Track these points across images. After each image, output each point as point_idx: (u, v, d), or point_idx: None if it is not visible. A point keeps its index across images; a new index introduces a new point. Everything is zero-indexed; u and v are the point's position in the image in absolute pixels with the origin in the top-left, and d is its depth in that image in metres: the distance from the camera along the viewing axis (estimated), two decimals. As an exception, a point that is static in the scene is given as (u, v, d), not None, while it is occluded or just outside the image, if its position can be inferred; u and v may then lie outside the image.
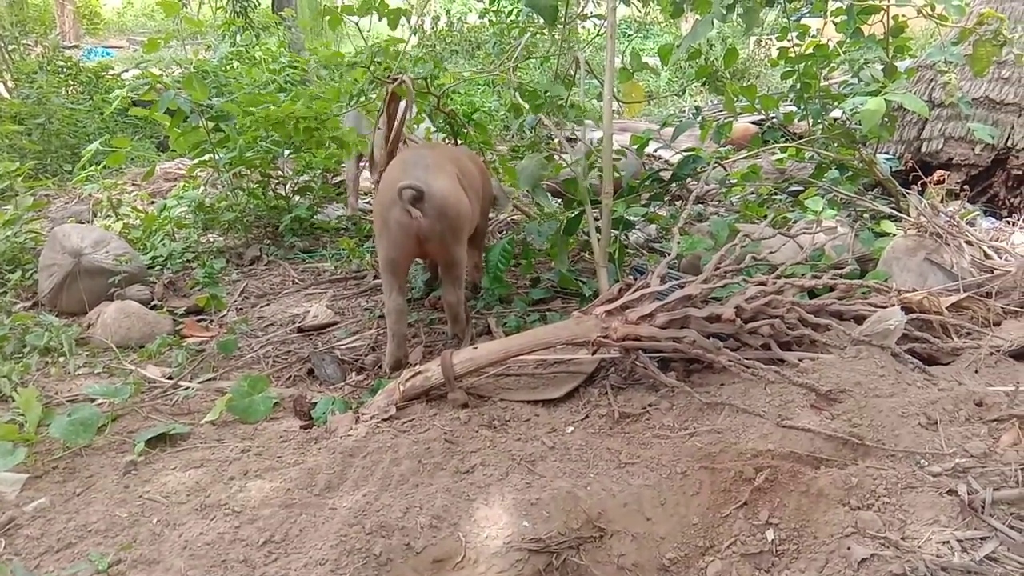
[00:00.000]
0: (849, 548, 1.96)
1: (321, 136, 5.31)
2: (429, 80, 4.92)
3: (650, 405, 2.86)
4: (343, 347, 3.87)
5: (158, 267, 4.91)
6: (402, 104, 4.30)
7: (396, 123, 4.29)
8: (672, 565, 2.19)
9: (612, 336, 2.92)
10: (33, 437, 2.73)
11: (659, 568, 2.19)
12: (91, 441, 2.73)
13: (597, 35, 5.99)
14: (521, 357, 3.11)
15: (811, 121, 5.15)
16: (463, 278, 3.64)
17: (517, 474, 2.46)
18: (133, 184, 6.77)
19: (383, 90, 4.38)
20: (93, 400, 3.09)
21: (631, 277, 3.96)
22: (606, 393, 3.01)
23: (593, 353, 3.15)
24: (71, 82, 9.16)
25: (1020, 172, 4.94)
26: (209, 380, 3.51)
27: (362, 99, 5.13)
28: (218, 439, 2.89)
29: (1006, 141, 4.96)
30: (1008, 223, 4.60)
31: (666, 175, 5.01)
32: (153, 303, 4.31)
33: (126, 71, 9.96)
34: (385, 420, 2.90)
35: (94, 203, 6.06)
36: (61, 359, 3.61)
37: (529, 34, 5.50)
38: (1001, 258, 3.73)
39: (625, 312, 2.99)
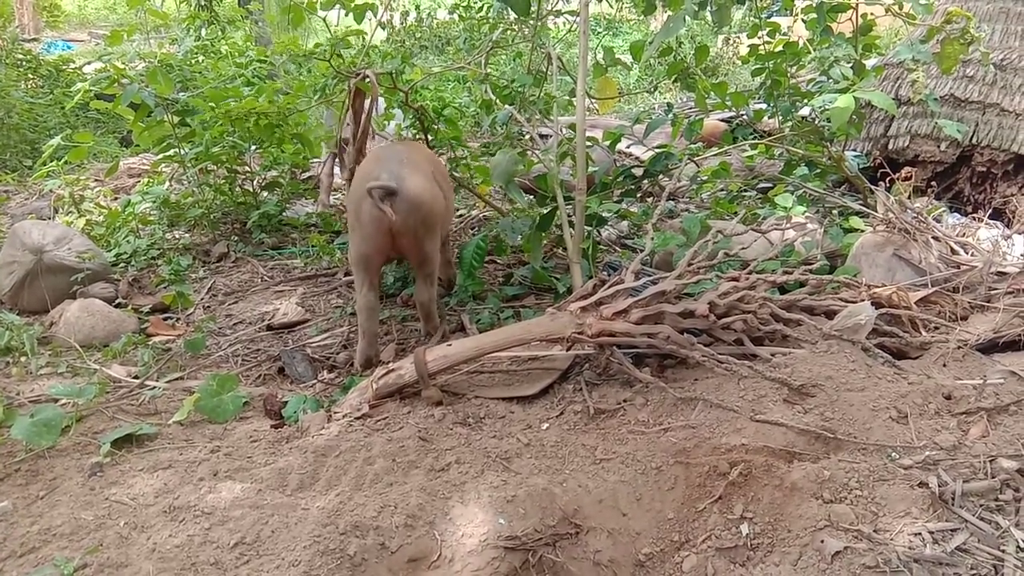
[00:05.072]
0: (823, 541, 1.98)
1: (283, 133, 5.22)
2: (396, 75, 4.86)
3: (625, 401, 2.86)
4: (314, 345, 3.83)
5: (122, 264, 4.82)
6: (367, 100, 4.25)
7: (363, 119, 4.24)
8: (648, 560, 2.20)
9: (587, 332, 2.91)
10: (-6, 439, 2.65)
11: (635, 563, 2.20)
12: (55, 443, 2.66)
13: (568, 31, 5.98)
14: (495, 354, 3.09)
15: (781, 118, 5.19)
16: (436, 276, 3.61)
17: (492, 471, 2.44)
18: (96, 180, 6.63)
19: (346, 84, 4.32)
20: (57, 400, 3.00)
21: (604, 273, 3.97)
22: (581, 389, 3.00)
23: (568, 349, 3.14)
24: (31, 76, 8.98)
25: (984, 169, 5.03)
26: (176, 379, 3.44)
27: (326, 93, 5.06)
28: (186, 439, 2.83)
29: (971, 138, 5.04)
30: (973, 219, 4.68)
31: (638, 172, 5.03)
32: (118, 301, 4.23)
33: (88, 64, 9.75)
34: (358, 418, 2.87)
35: (55, 199, 5.92)
36: (23, 359, 3.52)
37: (500, 29, 5.46)
38: (967, 253, 3.80)
39: (599, 308, 2.99)
